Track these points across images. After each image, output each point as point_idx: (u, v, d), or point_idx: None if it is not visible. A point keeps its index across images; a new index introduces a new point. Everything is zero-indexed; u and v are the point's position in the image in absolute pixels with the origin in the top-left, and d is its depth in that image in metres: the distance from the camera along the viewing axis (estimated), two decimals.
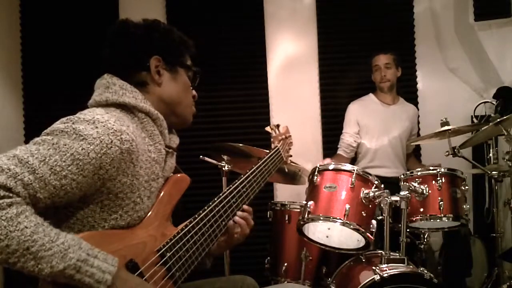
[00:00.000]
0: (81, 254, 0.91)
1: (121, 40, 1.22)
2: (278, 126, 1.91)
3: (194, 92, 1.34)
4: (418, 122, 3.22)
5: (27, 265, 0.87)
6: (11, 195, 0.89)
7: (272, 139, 1.87)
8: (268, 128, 1.92)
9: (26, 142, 1.00)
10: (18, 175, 0.90)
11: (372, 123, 2.95)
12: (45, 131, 1.02)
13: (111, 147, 1.01)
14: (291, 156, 1.91)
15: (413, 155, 3.16)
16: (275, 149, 1.73)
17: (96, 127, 1.01)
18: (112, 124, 1.03)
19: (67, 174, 0.96)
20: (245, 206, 1.38)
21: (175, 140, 1.30)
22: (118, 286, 0.95)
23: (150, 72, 1.21)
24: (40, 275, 0.89)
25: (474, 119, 3.13)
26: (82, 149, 0.98)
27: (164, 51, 1.23)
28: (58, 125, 1.02)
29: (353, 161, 3.02)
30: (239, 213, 1.36)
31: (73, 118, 1.04)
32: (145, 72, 1.21)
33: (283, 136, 1.87)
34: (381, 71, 2.94)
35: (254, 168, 1.49)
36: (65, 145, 0.97)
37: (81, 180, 0.98)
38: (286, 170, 2.02)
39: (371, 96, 3.05)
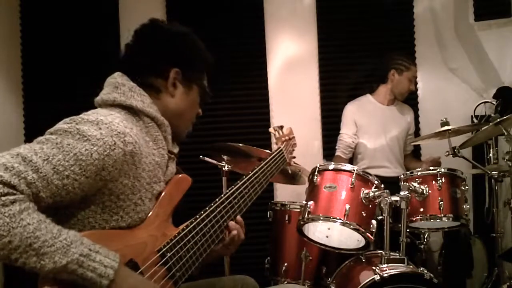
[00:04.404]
0: (83, 249, 0.92)
1: (148, 42, 1.22)
2: (281, 127, 1.90)
3: (199, 110, 1.34)
4: (418, 122, 3.23)
5: (29, 261, 0.87)
6: (14, 192, 0.89)
7: (275, 141, 1.86)
8: (271, 130, 1.90)
9: (26, 142, 1.00)
10: (22, 173, 0.90)
11: (369, 123, 2.95)
12: (48, 130, 1.02)
13: (114, 148, 1.01)
14: (294, 157, 1.90)
15: (412, 154, 3.15)
16: (278, 150, 1.71)
17: (100, 128, 1.01)
18: (116, 126, 1.03)
19: (70, 174, 0.96)
20: (238, 218, 1.33)
21: (176, 148, 1.31)
22: (119, 282, 0.95)
23: (167, 81, 1.22)
24: (42, 271, 0.88)
25: (474, 119, 3.13)
26: (85, 150, 0.98)
27: (185, 66, 1.24)
28: (61, 125, 1.02)
29: (351, 162, 3.01)
30: (231, 223, 1.30)
31: (76, 118, 1.04)
32: (161, 80, 1.22)
33: (287, 138, 1.86)
34: (414, 83, 3.00)
35: (257, 169, 1.48)
36: (69, 145, 0.97)
37: (83, 180, 0.98)
38: (290, 171, 2.01)
39: (368, 96, 3.05)
